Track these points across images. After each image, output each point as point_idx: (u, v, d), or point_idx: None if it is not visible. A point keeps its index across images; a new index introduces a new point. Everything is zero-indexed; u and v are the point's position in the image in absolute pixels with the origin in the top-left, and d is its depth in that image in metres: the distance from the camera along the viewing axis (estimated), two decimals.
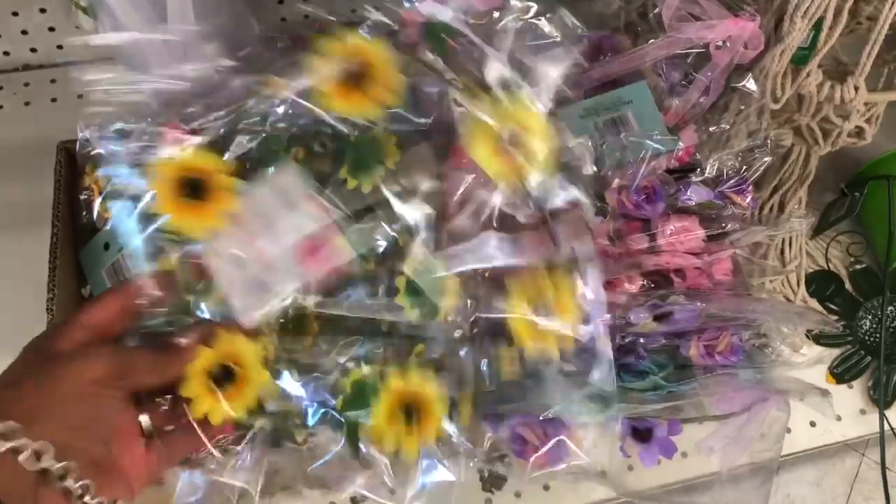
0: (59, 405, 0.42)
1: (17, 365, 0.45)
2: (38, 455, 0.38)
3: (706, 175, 0.65)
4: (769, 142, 0.64)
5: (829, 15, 0.64)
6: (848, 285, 0.82)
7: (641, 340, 0.57)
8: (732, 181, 0.65)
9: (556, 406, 0.54)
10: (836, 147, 0.74)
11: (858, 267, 0.82)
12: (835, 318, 0.82)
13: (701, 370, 0.59)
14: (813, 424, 0.78)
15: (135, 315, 0.49)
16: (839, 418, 0.78)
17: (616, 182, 0.61)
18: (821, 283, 0.82)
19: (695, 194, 0.63)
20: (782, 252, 0.83)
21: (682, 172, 0.66)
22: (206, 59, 0.62)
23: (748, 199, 0.65)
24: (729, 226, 0.63)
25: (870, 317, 0.80)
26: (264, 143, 0.56)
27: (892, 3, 0.63)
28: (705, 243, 0.65)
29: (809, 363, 0.64)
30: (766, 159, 0.65)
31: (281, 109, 0.58)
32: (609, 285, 0.61)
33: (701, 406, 0.58)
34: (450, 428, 0.52)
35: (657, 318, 0.57)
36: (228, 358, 0.49)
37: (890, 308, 0.80)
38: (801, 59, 0.66)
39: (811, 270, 0.83)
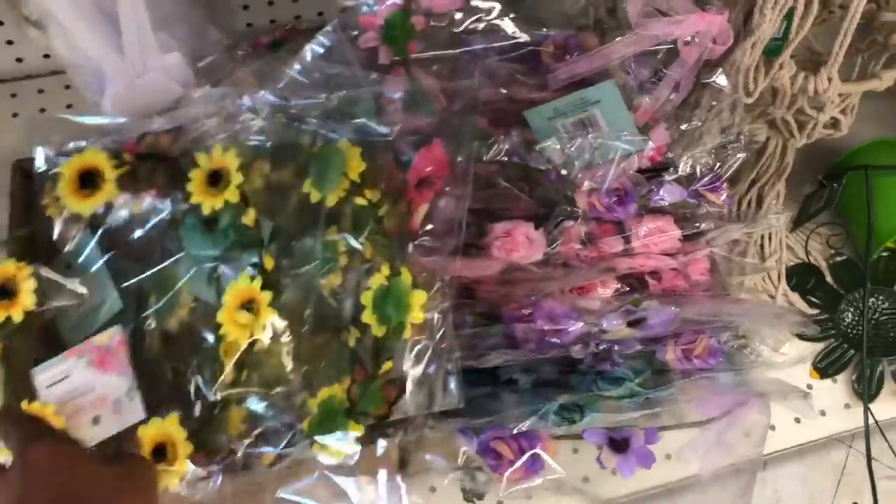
0: None
1: None
2: None
3: (679, 173, 0.64)
4: (742, 137, 0.63)
5: (799, 5, 0.63)
6: (829, 278, 0.81)
7: (616, 347, 0.56)
8: (706, 179, 0.64)
9: (529, 419, 0.52)
10: (813, 139, 0.72)
11: (839, 259, 0.81)
12: (816, 311, 0.81)
13: (679, 374, 0.58)
14: (798, 421, 0.77)
15: None
16: (823, 413, 0.77)
17: (586, 184, 0.59)
18: (801, 277, 0.81)
19: (668, 194, 0.61)
20: (762, 246, 0.82)
21: (656, 171, 0.65)
22: (165, 71, 0.61)
23: (723, 197, 0.64)
24: (704, 225, 0.61)
25: (851, 309, 0.79)
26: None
27: None
28: (681, 243, 0.64)
29: (791, 363, 0.63)
30: (739, 155, 0.64)
31: (253, 124, 0.57)
32: (583, 290, 0.60)
33: (679, 412, 0.57)
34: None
35: (631, 324, 0.55)
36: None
37: (872, 300, 0.79)
38: (774, 51, 0.65)
39: (792, 264, 0.82)
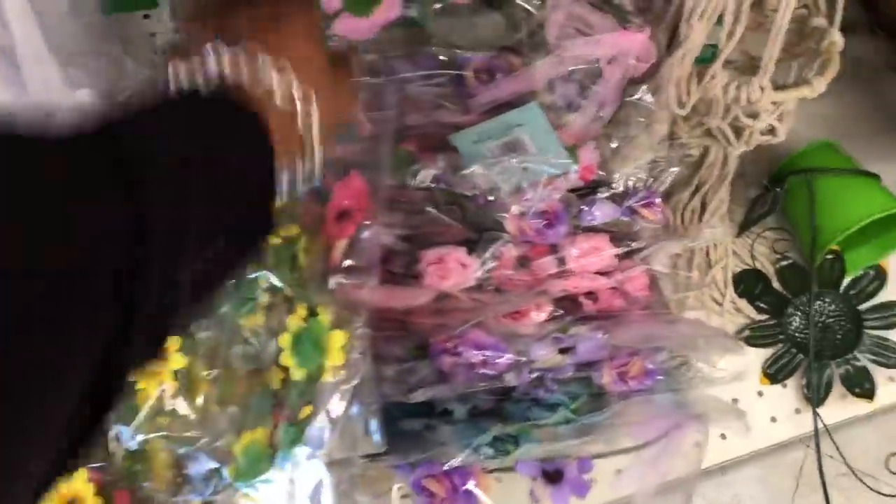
0: None
1: None
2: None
3: (613, 191, 0.63)
4: (675, 151, 0.62)
5: (728, 15, 0.62)
6: (776, 283, 0.81)
7: (550, 374, 0.55)
8: (641, 195, 0.63)
9: (463, 453, 0.51)
10: (751, 146, 0.72)
11: (784, 263, 0.80)
12: (765, 316, 0.80)
13: (616, 397, 0.57)
14: (748, 429, 0.77)
15: None
16: (774, 420, 0.77)
17: (514, 208, 0.58)
18: (748, 282, 0.81)
19: (599, 212, 0.60)
20: (708, 253, 0.81)
21: (591, 189, 0.64)
22: (76, 109, 0.59)
23: (658, 213, 0.63)
24: (637, 243, 0.61)
25: (799, 314, 0.79)
26: None
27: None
28: (618, 261, 0.63)
29: (729, 378, 0.62)
30: (673, 169, 0.63)
31: None
32: (517, 316, 0.59)
33: (616, 437, 0.56)
34: None
35: (563, 351, 0.54)
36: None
37: (818, 303, 0.79)
38: (709, 58, 0.64)
39: (738, 270, 0.82)
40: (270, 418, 0.50)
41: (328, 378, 0.49)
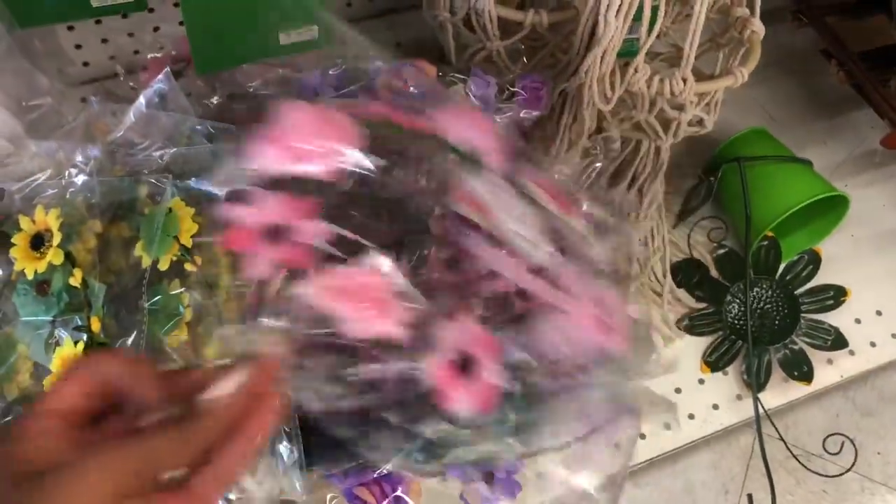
0: None
1: None
2: None
3: None
4: (599, 146, 0.62)
5: (646, 10, 0.62)
6: (713, 271, 0.81)
7: None
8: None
9: (393, 459, 0.51)
10: (679, 138, 0.72)
11: (721, 252, 0.81)
12: (704, 304, 0.81)
13: (548, 394, 0.57)
14: (692, 417, 0.78)
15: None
16: (716, 406, 0.78)
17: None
18: (687, 272, 0.81)
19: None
20: (646, 243, 0.82)
21: None
22: None
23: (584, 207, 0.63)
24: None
25: (737, 301, 0.80)
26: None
27: None
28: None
29: (665, 369, 0.62)
30: (597, 164, 0.63)
31: (80, 179, 0.54)
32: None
33: (549, 434, 0.56)
34: None
35: None
36: None
37: (756, 290, 0.80)
38: (631, 52, 0.64)
39: (676, 259, 0.83)
40: None
41: None
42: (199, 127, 0.53)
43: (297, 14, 0.50)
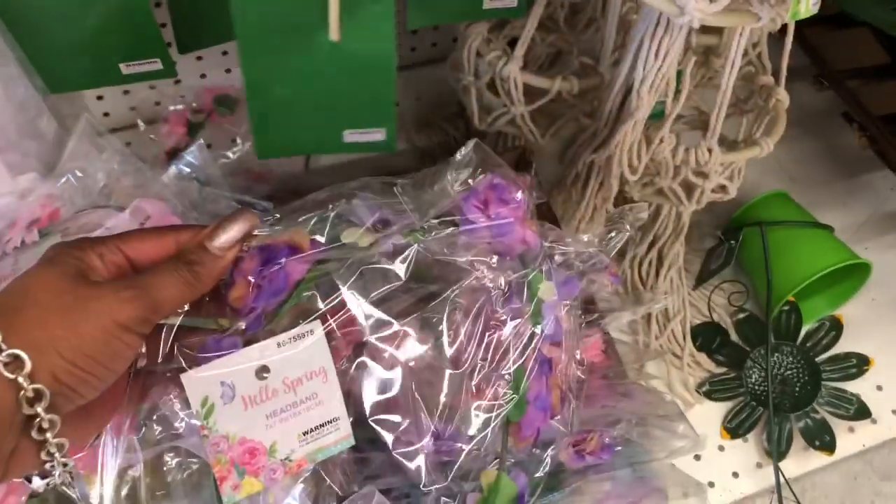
0: (77, 343, 0.37)
1: (42, 280, 0.38)
2: (37, 396, 0.35)
3: (564, 256, 0.62)
4: (627, 217, 0.62)
5: (670, 84, 0.62)
6: (734, 335, 0.81)
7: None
8: (593, 261, 0.62)
9: None
10: (702, 205, 0.72)
11: (742, 316, 0.80)
12: (724, 369, 0.80)
13: (574, 474, 0.56)
14: (711, 485, 0.76)
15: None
16: (736, 475, 0.77)
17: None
18: (707, 336, 0.81)
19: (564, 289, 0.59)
20: (666, 308, 0.81)
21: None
22: (20, 194, 0.57)
23: (613, 279, 0.62)
24: (589, 314, 0.60)
25: (758, 367, 0.79)
26: None
27: (732, 68, 0.62)
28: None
29: (690, 447, 0.61)
30: (623, 235, 0.62)
31: None
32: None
33: None
34: None
35: None
36: None
37: (776, 356, 0.79)
38: (660, 114, 0.64)
39: (697, 323, 0.82)
40: None
41: None
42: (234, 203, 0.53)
43: (370, 114, 0.49)
